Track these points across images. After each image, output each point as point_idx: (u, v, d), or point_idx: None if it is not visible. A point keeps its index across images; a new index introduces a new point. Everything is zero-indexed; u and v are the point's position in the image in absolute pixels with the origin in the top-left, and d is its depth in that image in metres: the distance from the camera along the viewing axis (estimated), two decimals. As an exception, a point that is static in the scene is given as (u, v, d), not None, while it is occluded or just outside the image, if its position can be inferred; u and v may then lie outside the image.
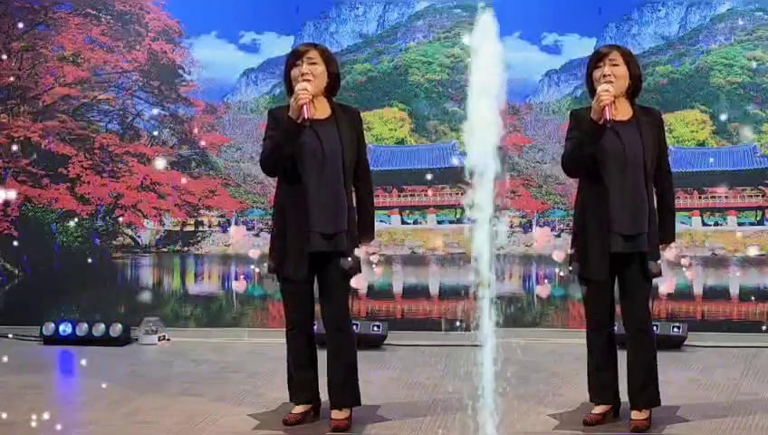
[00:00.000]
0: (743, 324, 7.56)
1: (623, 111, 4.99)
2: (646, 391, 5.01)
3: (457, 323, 7.19)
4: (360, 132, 5.13)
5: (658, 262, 4.99)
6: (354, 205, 5.09)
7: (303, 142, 4.89)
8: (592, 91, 5.01)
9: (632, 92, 5.05)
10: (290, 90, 5.02)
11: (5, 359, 6.68)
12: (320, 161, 4.91)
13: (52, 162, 8.20)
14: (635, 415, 5.01)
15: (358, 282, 5.15)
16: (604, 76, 4.92)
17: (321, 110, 5.02)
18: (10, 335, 7.71)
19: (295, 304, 5.10)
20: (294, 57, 5.01)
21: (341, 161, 4.95)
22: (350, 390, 5.08)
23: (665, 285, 5.24)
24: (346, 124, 5.03)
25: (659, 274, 5.03)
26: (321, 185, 4.92)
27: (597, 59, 5.00)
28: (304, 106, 4.80)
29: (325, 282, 5.03)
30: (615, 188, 4.92)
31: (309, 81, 4.91)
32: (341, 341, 5.07)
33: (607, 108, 4.80)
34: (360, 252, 5.01)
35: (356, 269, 5.05)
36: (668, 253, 5.07)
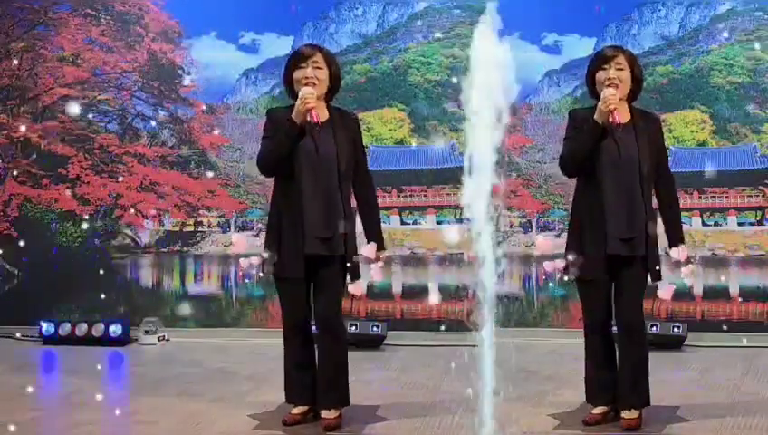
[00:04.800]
0: (743, 324, 7.56)
1: (622, 114, 4.99)
2: (635, 391, 5.00)
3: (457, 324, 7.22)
4: (357, 137, 5.12)
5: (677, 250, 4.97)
6: (351, 209, 5.07)
7: (300, 145, 4.91)
8: (593, 93, 5.02)
9: (632, 95, 5.04)
10: (290, 91, 5.02)
11: (5, 359, 6.68)
12: (315, 165, 4.90)
13: (52, 162, 8.20)
14: (625, 414, 5.01)
15: (356, 288, 5.14)
16: (609, 79, 4.92)
17: (320, 113, 5.02)
18: (17, 335, 7.70)
19: (291, 306, 5.10)
20: (299, 59, 4.99)
21: (336, 165, 4.95)
22: (339, 390, 5.08)
23: (664, 291, 5.19)
24: (343, 129, 5.02)
25: (659, 276, 5.02)
26: (317, 188, 4.91)
27: (602, 61, 4.97)
28: (312, 110, 4.82)
29: (319, 283, 5.02)
30: (611, 190, 4.92)
31: (314, 84, 4.92)
32: (332, 341, 5.06)
33: (616, 112, 4.82)
34: (361, 257, 5.00)
35: (355, 275, 5.07)
36: (674, 253, 5.03)
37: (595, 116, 4.87)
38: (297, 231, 4.91)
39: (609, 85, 4.90)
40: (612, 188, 4.91)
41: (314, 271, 5.00)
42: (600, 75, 4.96)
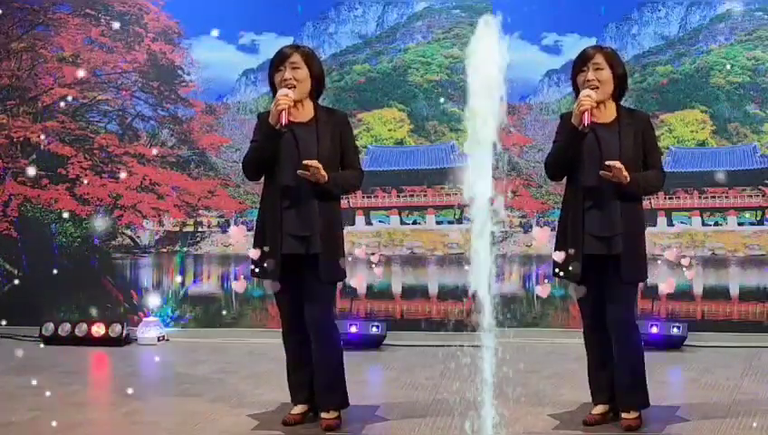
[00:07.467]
0: (743, 324, 7.56)
1: (607, 114, 4.97)
2: (633, 392, 5.00)
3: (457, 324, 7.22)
4: (344, 135, 5.06)
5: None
6: (336, 209, 5.06)
7: (282, 145, 4.91)
8: (578, 94, 4.99)
9: (618, 93, 5.00)
10: (274, 93, 5.02)
11: (5, 359, 6.68)
12: (294, 164, 4.89)
13: (52, 162, 8.20)
14: (625, 415, 5.01)
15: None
16: (588, 81, 4.90)
17: (304, 113, 5.01)
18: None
19: (286, 306, 5.09)
20: (278, 61, 4.98)
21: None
22: (337, 392, 5.08)
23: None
24: (326, 128, 4.99)
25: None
26: (295, 187, 4.91)
27: (581, 62, 4.95)
28: (282, 112, 4.81)
29: (305, 286, 5.01)
30: (589, 189, 4.91)
31: (293, 87, 4.91)
32: (326, 345, 5.05)
33: (586, 113, 4.79)
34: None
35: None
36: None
37: (572, 120, 4.85)
38: (276, 231, 4.92)
39: (587, 87, 4.88)
40: (591, 186, 4.90)
41: (301, 273, 4.98)
42: (580, 78, 4.95)
